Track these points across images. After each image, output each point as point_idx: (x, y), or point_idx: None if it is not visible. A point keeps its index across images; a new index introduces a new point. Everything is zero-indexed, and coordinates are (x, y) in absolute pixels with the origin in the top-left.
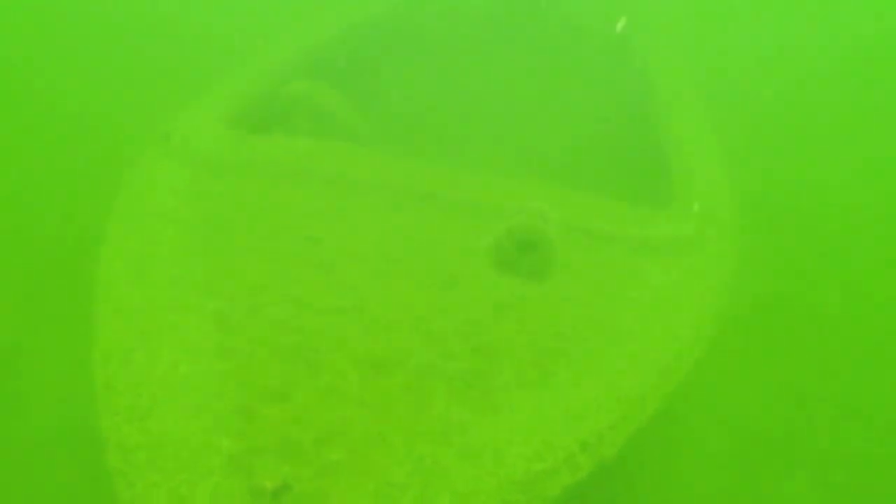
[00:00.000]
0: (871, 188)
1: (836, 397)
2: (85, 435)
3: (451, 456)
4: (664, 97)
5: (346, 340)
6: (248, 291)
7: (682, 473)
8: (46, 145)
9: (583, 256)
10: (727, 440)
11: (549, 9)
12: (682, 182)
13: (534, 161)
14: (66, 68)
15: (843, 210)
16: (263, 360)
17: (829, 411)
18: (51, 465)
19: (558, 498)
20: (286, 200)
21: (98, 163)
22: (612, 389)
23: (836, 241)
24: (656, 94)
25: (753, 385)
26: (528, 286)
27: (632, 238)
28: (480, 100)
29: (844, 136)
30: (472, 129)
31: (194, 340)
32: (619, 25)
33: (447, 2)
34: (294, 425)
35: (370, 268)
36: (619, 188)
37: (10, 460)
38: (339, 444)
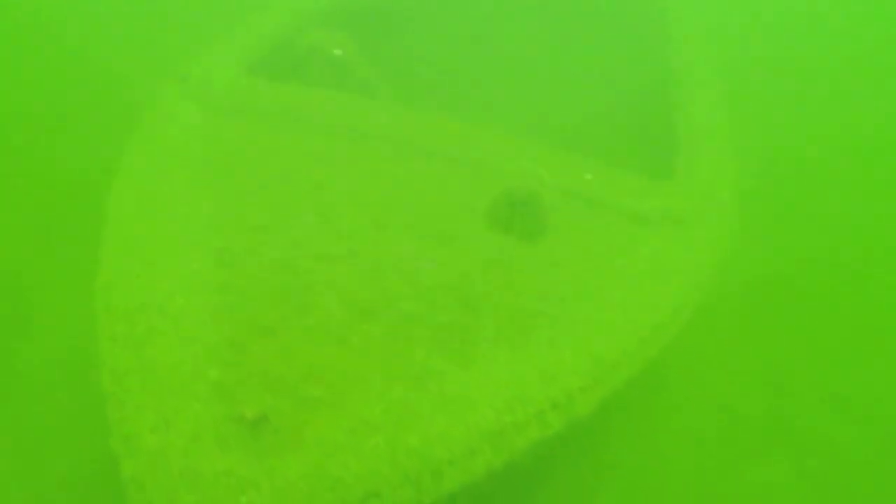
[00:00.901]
0: (877, 176)
1: (819, 381)
2: (84, 359)
3: (424, 401)
4: (683, 70)
5: (337, 284)
6: (249, 231)
7: (658, 442)
8: (71, 80)
9: (576, 222)
10: (706, 414)
11: None
12: (687, 156)
13: (543, 125)
14: (95, 8)
15: (843, 194)
16: (257, 296)
17: (810, 394)
18: (51, 387)
19: (526, 451)
20: (294, 147)
21: (118, 100)
22: (588, 353)
23: (836, 226)
24: (675, 67)
25: (737, 361)
26: (519, 246)
27: (627, 208)
28: (496, 61)
29: (854, 122)
30: (485, 89)
31: (193, 274)
32: None
33: None
34: (279, 360)
35: (368, 216)
36: (624, 157)
37: (13, 382)
38: (319, 380)
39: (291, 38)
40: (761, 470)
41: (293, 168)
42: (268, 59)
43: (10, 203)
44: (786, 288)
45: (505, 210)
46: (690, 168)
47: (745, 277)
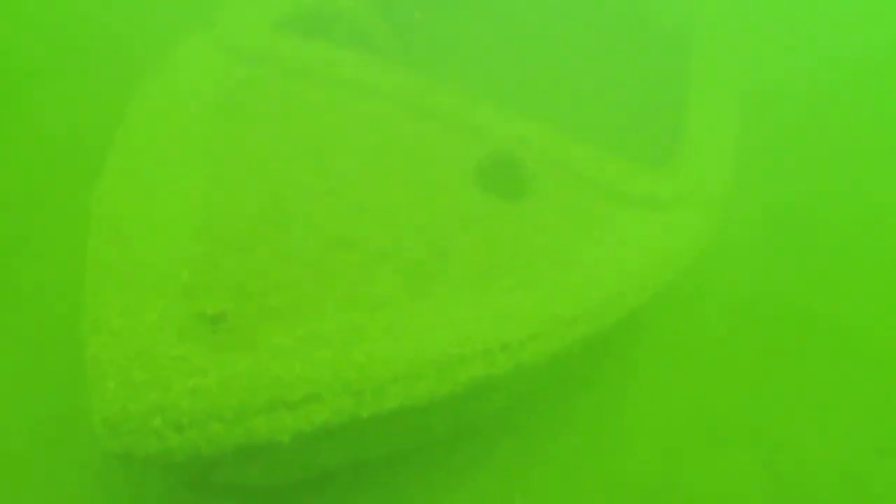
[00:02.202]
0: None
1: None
2: (78, 256)
3: (377, 325)
4: (699, 69)
5: (316, 215)
6: (245, 162)
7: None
8: (101, 22)
9: (560, 192)
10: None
11: None
12: (685, 150)
13: (551, 103)
14: None
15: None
16: (239, 218)
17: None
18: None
19: (468, 385)
20: (303, 96)
21: (147, 40)
22: (546, 307)
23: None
24: (692, 65)
25: (705, 336)
26: (498, 204)
27: (613, 186)
28: (513, 37)
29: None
30: (498, 64)
31: (185, 192)
32: None
33: None
34: (248, 274)
35: (360, 163)
36: (625, 145)
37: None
38: (282, 294)
39: (322, 2)
40: (728, 462)
41: (298, 114)
42: (296, 16)
43: (34, 128)
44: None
45: (490, 170)
46: (686, 161)
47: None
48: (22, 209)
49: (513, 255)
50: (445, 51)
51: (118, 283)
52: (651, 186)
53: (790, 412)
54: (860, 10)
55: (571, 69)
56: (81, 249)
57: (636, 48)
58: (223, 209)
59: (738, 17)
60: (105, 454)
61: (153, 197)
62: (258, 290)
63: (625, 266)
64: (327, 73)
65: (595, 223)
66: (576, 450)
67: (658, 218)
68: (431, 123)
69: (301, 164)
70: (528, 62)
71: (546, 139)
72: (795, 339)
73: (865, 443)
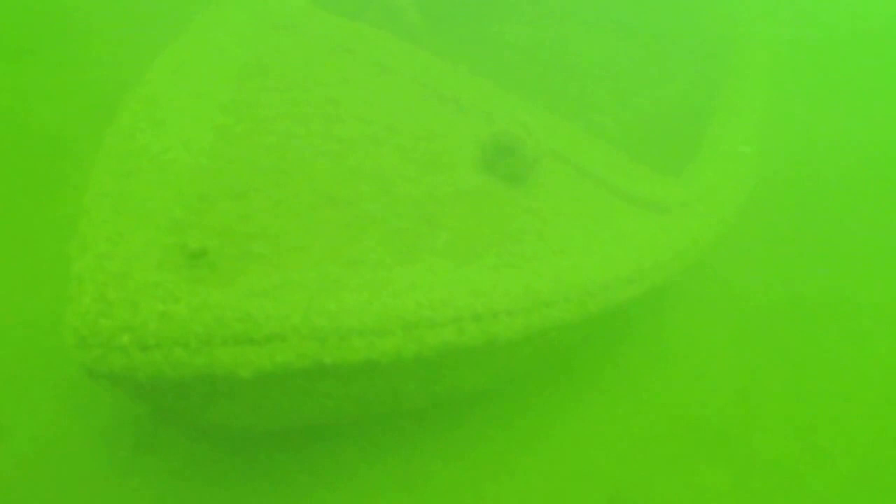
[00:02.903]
0: None
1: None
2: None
3: (354, 279)
4: (730, 86)
5: (316, 175)
6: (257, 119)
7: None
8: None
9: (561, 182)
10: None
11: None
12: (700, 164)
13: (573, 102)
14: None
15: None
16: (242, 167)
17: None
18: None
19: (437, 350)
20: (324, 68)
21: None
22: (524, 285)
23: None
24: (723, 82)
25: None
26: (497, 186)
27: (616, 184)
28: (546, 35)
29: None
30: (526, 59)
31: (191, 139)
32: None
33: None
34: (238, 218)
35: (367, 133)
36: (642, 147)
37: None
38: (267, 241)
39: None
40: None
41: (315, 83)
42: None
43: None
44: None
45: (493, 153)
46: (698, 173)
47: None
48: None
49: (503, 234)
50: (474, 40)
51: (112, 211)
52: (657, 190)
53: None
54: None
55: (601, 72)
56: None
57: (670, 60)
58: (226, 158)
59: (773, 38)
60: (79, 368)
61: (161, 139)
62: (244, 234)
63: (614, 260)
64: (350, 47)
65: (592, 216)
66: (557, 441)
67: (658, 220)
68: (443, 104)
69: (309, 127)
70: (557, 61)
71: (556, 131)
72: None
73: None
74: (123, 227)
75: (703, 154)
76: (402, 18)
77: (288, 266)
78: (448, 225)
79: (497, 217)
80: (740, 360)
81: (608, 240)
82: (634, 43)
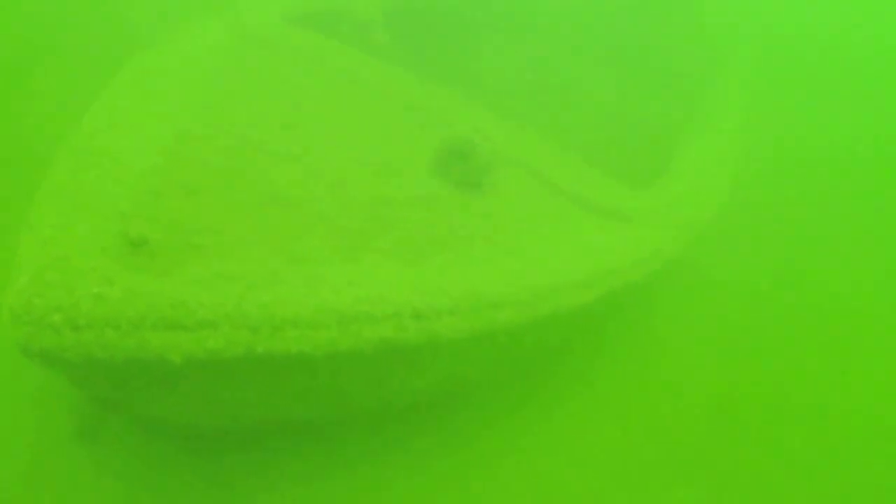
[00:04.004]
0: None
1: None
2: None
3: (294, 275)
4: (704, 107)
5: (270, 176)
6: (216, 123)
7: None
8: None
9: (517, 188)
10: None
11: None
12: (670, 173)
13: (544, 115)
14: None
15: None
16: (197, 166)
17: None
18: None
19: (375, 346)
20: (290, 78)
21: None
22: (470, 285)
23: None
24: (698, 103)
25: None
26: (451, 191)
27: (575, 192)
28: (518, 54)
29: None
30: (499, 78)
31: (155, 137)
32: None
33: None
34: (185, 213)
35: (325, 139)
36: (612, 160)
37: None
38: (211, 235)
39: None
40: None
41: (279, 91)
42: (305, 14)
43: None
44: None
45: (447, 158)
46: (667, 185)
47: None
48: None
49: (454, 237)
50: (446, 59)
51: (62, 203)
52: (619, 200)
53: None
54: None
55: (573, 87)
56: None
57: (644, 77)
58: (181, 158)
59: (751, 55)
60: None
61: (119, 140)
62: (189, 228)
63: (567, 264)
64: (317, 60)
65: (547, 222)
66: (526, 452)
67: (618, 228)
68: (404, 114)
69: (268, 132)
70: (530, 79)
71: (515, 139)
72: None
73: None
74: (71, 216)
75: (671, 168)
76: (371, 37)
77: (229, 259)
78: (397, 227)
79: (448, 221)
80: (721, 373)
81: (562, 245)
82: (608, 61)
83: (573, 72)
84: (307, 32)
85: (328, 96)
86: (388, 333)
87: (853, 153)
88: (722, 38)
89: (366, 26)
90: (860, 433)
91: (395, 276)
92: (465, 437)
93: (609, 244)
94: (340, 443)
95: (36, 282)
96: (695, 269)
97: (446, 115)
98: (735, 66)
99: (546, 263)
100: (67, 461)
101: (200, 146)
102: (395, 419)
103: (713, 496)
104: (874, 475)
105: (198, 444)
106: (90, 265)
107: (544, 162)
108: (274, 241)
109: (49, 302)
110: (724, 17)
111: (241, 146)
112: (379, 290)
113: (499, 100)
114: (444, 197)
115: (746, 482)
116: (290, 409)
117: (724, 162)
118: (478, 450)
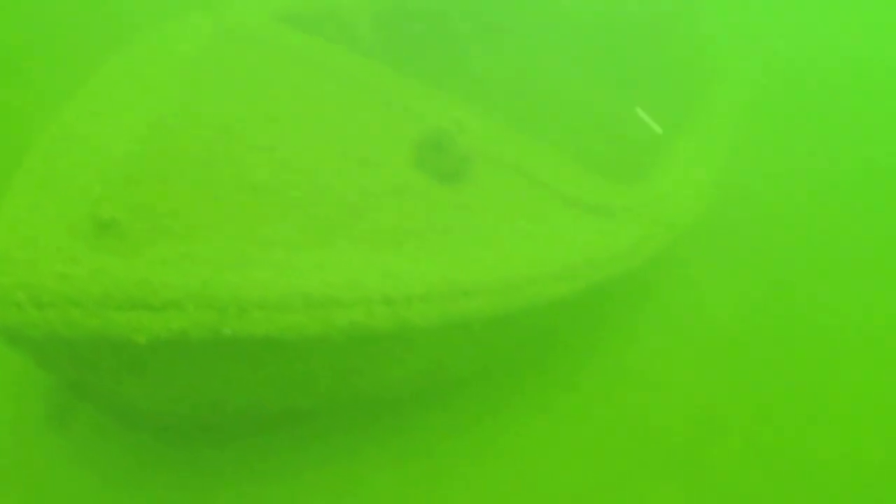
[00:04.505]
0: None
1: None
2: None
3: (264, 259)
4: (697, 114)
5: (245, 165)
6: (195, 114)
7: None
8: None
9: (497, 181)
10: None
11: None
12: (655, 172)
13: (534, 118)
14: None
15: None
16: (173, 154)
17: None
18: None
19: (345, 331)
20: (273, 73)
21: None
22: (443, 273)
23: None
24: (691, 109)
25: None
26: (427, 181)
27: (554, 187)
28: (502, 51)
29: None
30: (488, 78)
31: (134, 125)
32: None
33: None
34: (157, 197)
35: (304, 130)
36: (598, 159)
37: None
38: (181, 219)
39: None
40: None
41: (259, 85)
42: (290, 13)
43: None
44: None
45: (424, 149)
46: (651, 182)
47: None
48: None
49: (429, 226)
50: (431, 57)
51: (35, 186)
52: (600, 194)
53: None
54: None
55: (561, 87)
56: None
57: (635, 77)
58: (158, 147)
59: (743, 57)
60: None
61: (97, 128)
62: (160, 212)
63: (543, 256)
64: (301, 56)
65: (525, 214)
66: (506, 450)
67: (598, 222)
68: (385, 108)
69: (247, 123)
70: (518, 80)
71: (495, 133)
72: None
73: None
74: (42, 199)
75: (657, 166)
76: (357, 37)
77: (198, 242)
78: (372, 215)
79: (424, 211)
80: (701, 378)
81: (540, 238)
82: (596, 62)
83: (561, 72)
84: (291, 30)
85: (308, 91)
86: (358, 319)
87: (843, 158)
88: (715, 38)
89: (352, 26)
90: (841, 432)
91: (366, 262)
92: (447, 434)
93: (589, 238)
94: (320, 439)
95: (3, 261)
96: (681, 268)
97: (426, 109)
98: (727, 67)
99: (522, 255)
100: (41, 452)
101: (176, 135)
102: (375, 414)
103: (695, 494)
104: (853, 475)
105: (175, 436)
106: (57, 245)
107: (524, 155)
108: (245, 226)
109: (13, 279)
110: (717, 17)
111: (217, 136)
112: (349, 276)
113: (484, 99)
114: (421, 188)
115: (728, 480)
116: (265, 399)
117: (712, 161)
118: (459, 447)
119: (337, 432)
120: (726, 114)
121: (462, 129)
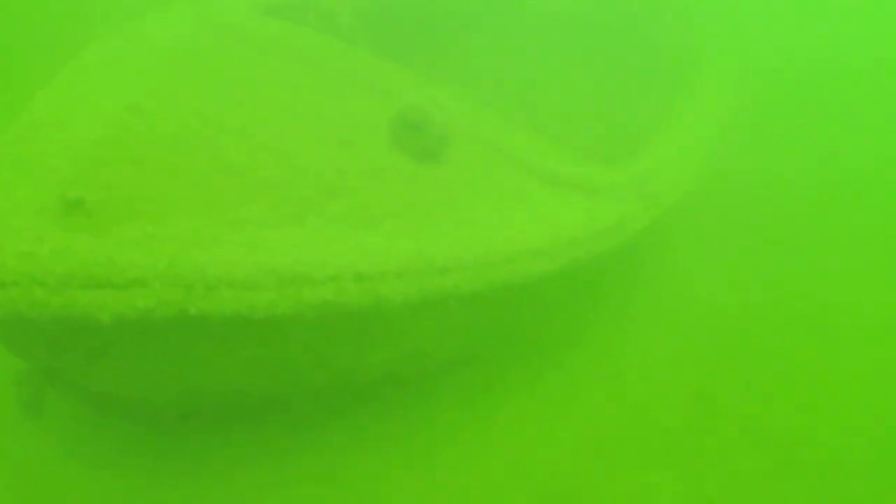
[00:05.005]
0: None
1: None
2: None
3: (234, 238)
4: (685, 101)
5: (220, 147)
6: (171, 98)
7: None
8: None
9: (477, 161)
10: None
11: None
12: (643, 152)
13: (515, 101)
14: None
15: None
16: (147, 137)
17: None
18: None
19: (317, 309)
20: (253, 60)
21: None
22: (418, 250)
23: None
24: (679, 98)
25: None
26: (405, 160)
27: (535, 166)
28: (487, 40)
29: None
30: (476, 68)
31: (109, 110)
32: None
33: None
34: (128, 178)
35: (283, 113)
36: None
37: None
38: (151, 201)
39: None
40: None
41: (240, 71)
42: (272, 3)
43: None
44: None
45: (404, 130)
46: (637, 161)
47: None
48: None
49: (406, 206)
50: (414, 47)
51: (8, 167)
52: (584, 173)
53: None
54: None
55: (548, 75)
56: None
57: (626, 64)
58: (133, 128)
59: (735, 41)
60: None
61: (74, 109)
62: (131, 194)
63: (523, 234)
64: (278, 43)
65: (506, 193)
66: (496, 437)
67: (581, 201)
68: (365, 92)
69: (222, 108)
70: (503, 66)
71: (475, 114)
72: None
73: None
74: (11, 181)
75: (642, 147)
76: (339, 26)
77: (168, 222)
78: (347, 195)
79: (401, 190)
80: (695, 364)
81: (520, 215)
82: (586, 50)
83: (548, 60)
84: (272, 19)
85: (287, 75)
86: (329, 296)
87: (834, 141)
88: (706, 24)
89: (333, 17)
90: (838, 416)
91: (340, 240)
92: (432, 419)
93: (570, 215)
94: (302, 426)
95: None
96: (671, 251)
97: (403, 89)
98: (716, 50)
99: (500, 232)
100: (20, 440)
101: (151, 119)
102: (359, 402)
103: (688, 480)
104: (850, 461)
105: (157, 425)
106: (22, 224)
107: (503, 134)
108: (217, 207)
109: None
110: (708, 5)
111: (192, 120)
112: (321, 253)
113: (467, 88)
114: (399, 167)
115: (721, 465)
116: (243, 384)
117: (698, 142)
118: (442, 435)
119: (319, 420)
120: (714, 95)
121: (439, 107)
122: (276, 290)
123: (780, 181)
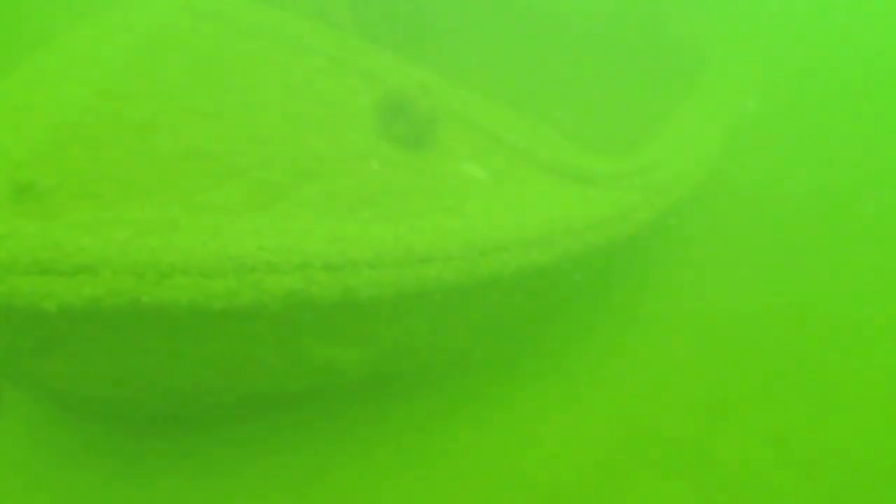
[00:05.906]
0: None
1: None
2: None
3: (196, 223)
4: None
5: (190, 132)
6: (142, 81)
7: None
8: None
9: (470, 149)
10: None
11: None
12: (646, 145)
13: (505, 85)
14: None
15: None
16: (110, 120)
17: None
18: None
19: (281, 300)
20: (238, 47)
21: None
22: (396, 239)
23: None
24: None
25: None
26: (388, 146)
27: (531, 154)
28: (489, 31)
29: None
30: (481, 57)
31: (76, 95)
32: None
33: None
34: (88, 163)
35: (260, 99)
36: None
37: None
38: (110, 185)
39: None
40: None
41: (222, 58)
42: None
43: None
44: None
45: (389, 114)
46: (641, 153)
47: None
48: None
49: (387, 192)
50: (411, 36)
51: None
52: (583, 163)
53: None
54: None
55: (549, 69)
56: None
57: (636, 56)
58: (102, 112)
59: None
60: None
61: (45, 93)
62: (89, 178)
63: (514, 223)
64: (269, 30)
65: (498, 181)
66: (509, 441)
67: (579, 190)
68: (347, 75)
69: (202, 93)
70: (496, 55)
71: (465, 98)
72: None
73: None
74: None
75: (647, 141)
76: (333, 12)
77: (125, 207)
78: (323, 180)
79: (383, 176)
80: (707, 371)
81: (511, 204)
82: (596, 44)
83: (550, 54)
84: (264, 7)
85: (271, 62)
86: (296, 285)
87: (850, 147)
88: (717, 24)
89: (326, 5)
90: (860, 424)
91: (310, 227)
92: (423, 421)
93: (567, 205)
94: (281, 430)
95: None
96: (682, 250)
97: (389, 74)
98: (728, 53)
99: (489, 221)
100: None
101: (121, 103)
102: (343, 403)
103: (698, 488)
104: (863, 464)
105: (126, 426)
106: None
107: (496, 120)
108: (179, 192)
109: None
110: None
111: (163, 105)
112: (288, 240)
113: (461, 79)
114: (382, 153)
115: (736, 475)
116: (210, 383)
117: (704, 137)
118: (435, 435)
119: (303, 421)
120: (722, 94)
121: (426, 92)
122: (237, 277)
123: (792, 186)
